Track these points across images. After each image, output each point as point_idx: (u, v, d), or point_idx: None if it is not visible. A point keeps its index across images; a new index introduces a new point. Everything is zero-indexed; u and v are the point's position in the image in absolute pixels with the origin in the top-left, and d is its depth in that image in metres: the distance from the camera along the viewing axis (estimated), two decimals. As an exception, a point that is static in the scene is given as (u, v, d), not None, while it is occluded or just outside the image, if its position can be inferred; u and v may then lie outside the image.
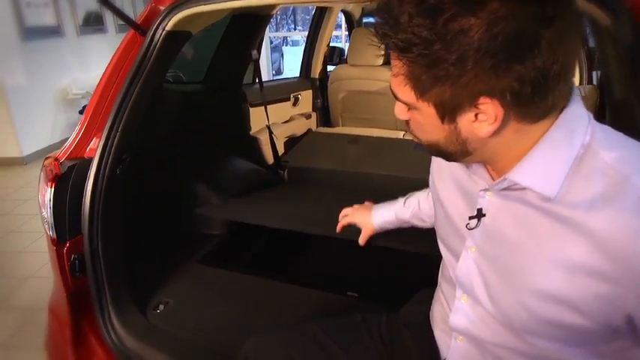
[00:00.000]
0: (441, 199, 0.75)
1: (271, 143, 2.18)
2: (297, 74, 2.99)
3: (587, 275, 0.53)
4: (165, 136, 1.59)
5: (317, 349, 0.85)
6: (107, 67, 1.23)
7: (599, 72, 2.19)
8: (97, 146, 1.17)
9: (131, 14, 1.28)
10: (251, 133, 2.20)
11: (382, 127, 2.54)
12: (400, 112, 0.62)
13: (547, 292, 0.56)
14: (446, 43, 0.48)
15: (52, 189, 1.11)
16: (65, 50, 4.71)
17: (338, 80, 2.75)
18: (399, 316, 0.91)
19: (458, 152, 0.59)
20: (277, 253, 1.78)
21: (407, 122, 0.63)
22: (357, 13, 3.39)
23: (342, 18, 5.78)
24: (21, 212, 3.22)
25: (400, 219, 1.11)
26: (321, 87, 2.94)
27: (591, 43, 2.16)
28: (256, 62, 2.07)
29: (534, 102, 0.51)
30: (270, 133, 2.16)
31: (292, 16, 15.16)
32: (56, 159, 1.16)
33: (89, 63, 4.88)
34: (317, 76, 2.95)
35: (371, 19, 3.56)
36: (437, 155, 0.64)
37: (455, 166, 0.70)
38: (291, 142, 2.57)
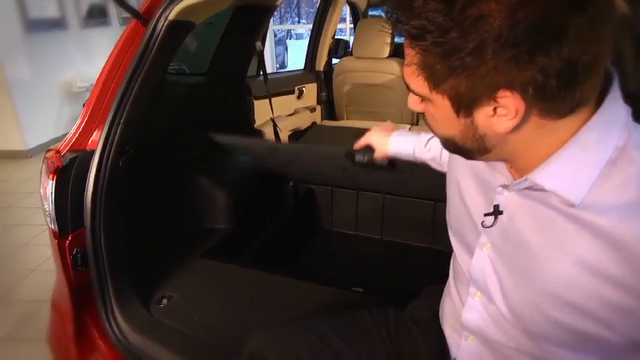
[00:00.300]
0: (460, 188, 0.71)
1: (275, 136, 2.16)
2: (302, 68, 2.96)
3: (610, 286, 0.50)
4: (168, 129, 1.57)
5: (322, 345, 0.84)
6: (109, 58, 1.21)
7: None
8: (99, 138, 1.15)
9: (133, 3, 1.26)
10: (255, 126, 2.18)
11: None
12: (413, 103, 0.58)
13: (566, 300, 0.53)
14: (463, 30, 0.44)
15: (54, 181, 1.09)
16: (69, 43, 4.70)
17: (343, 73, 2.72)
18: (407, 313, 0.89)
19: (475, 149, 0.55)
20: (281, 248, 1.76)
21: (423, 114, 0.60)
22: (362, 5, 3.34)
23: (346, 11, 5.74)
24: (25, 205, 3.22)
25: (417, 157, 1.04)
26: (325, 80, 2.91)
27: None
28: (260, 54, 2.04)
29: (560, 96, 0.46)
30: (275, 126, 2.14)
31: (296, 9, 15.06)
32: (58, 151, 1.15)
33: (93, 56, 4.86)
34: (322, 69, 2.92)
35: (376, 12, 3.52)
36: (454, 152, 0.60)
37: None
38: (296, 135, 2.56)
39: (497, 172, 0.62)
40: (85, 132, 1.18)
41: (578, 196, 0.50)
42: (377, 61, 2.57)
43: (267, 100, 2.08)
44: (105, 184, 1.14)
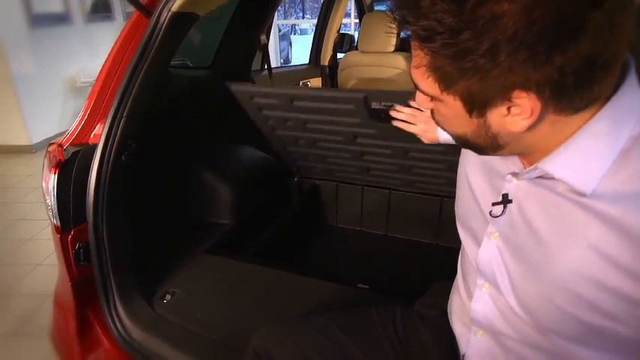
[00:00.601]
0: (468, 177, 0.70)
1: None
2: (306, 62, 2.94)
3: (621, 276, 0.48)
4: (171, 122, 1.55)
5: (328, 342, 0.82)
6: (111, 51, 1.19)
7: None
8: (102, 132, 1.14)
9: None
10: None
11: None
12: (422, 102, 0.57)
13: (574, 290, 0.52)
14: (475, 31, 0.42)
15: (56, 176, 1.08)
16: (73, 38, 4.69)
17: (348, 67, 2.69)
18: (414, 310, 0.87)
19: (488, 146, 0.54)
20: (285, 244, 1.74)
21: (432, 112, 0.58)
22: (368, -2, 3.31)
23: (351, 6, 5.70)
24: (29, 200, 3.22)
25: None
26: (330, 74, 2.89)
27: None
28: (265, 48, 2.02)
29: (577, 94, 0.45)
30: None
31: (301, 4, 14.99)
32: (60, 145, 1.13)
33: (97, 51, 4.85)
34: (327, 64, 2.90)
35: (382, 7, 3.48)
36: (465, 147, 0.59)
37: None
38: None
39: (507, 161, 0.61)
40: (88, 126, 1.17)
41: (588, 186, 0.49)
42: (383, 55, 2.54)
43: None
44: (107, 178, 1.13)
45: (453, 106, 0.51)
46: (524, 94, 0.45)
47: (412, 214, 1.81)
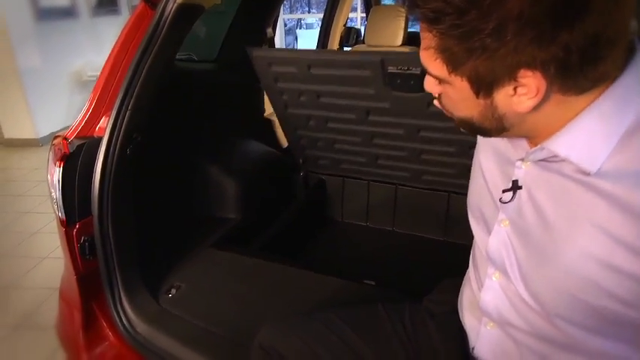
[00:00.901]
0: (481, 165, 0.70)
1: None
2: (313, 56, 2.91)
3: (630, 256, 0.48)
4: (176, 116, 1.54)
5: (335, 338, 0.81)
6: (116, 43, 1.18)
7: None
8: (107, 125, 1.13)
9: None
10: (265, 114, 2.14)
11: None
12: (430, 86, 0.58)
13: (582, 274, 0.52)
14: (482, 11, 0.43)
15: (61, 169, 1.07)
16: (79, 32, 4.69)
17: (355, 61, 2.66)
18: (423, 306, 0.86)
19: (493, 128, 0.55)
20: (291, 238, 1.73)
21: (438, 97, 0.59)
22: (375, -8, 3.28)
23: (357, 0, 5.65)
24: (36, 193, 3.24)
25: None
26: (337, 68, 2.86)
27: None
28: (271, 41, 2.00)
29: (582, 72, 0.46)
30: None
31: (307, -2, 14.89)
32: (65, 138, 1.13)
33: (103, 45, 4.83)
34: (333, 57, 2.87)
35: (389, 0, 3.45)
36: (470, 132, 0.59)
37: None
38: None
39: (518, 147, 0.61)
40: (93, 119, 1.16)
41: (593, 164, 0.50)
42: (390, 49, 2.51)
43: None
44: (112, 172, 1.12)
45: (460, 87, 0.52)
46: (529, 73, 0.46)
47: (419, 210, 1.79)
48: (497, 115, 0.52)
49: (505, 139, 0.64)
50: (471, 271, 0.76)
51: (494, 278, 0.66)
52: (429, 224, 1.79)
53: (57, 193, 1.08)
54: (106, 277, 1.13)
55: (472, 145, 1.43)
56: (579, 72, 0.45)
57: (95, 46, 4.81)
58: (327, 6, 2.88)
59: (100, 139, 1.12)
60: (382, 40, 2.53)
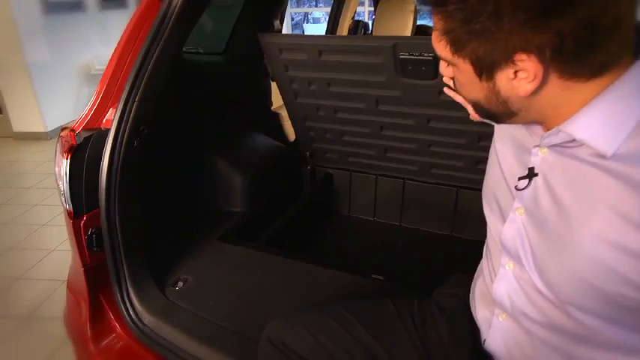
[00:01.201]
0: (497, 152, 0.70)
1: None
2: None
3: None
4: (183, 109, 1.53)
5: (344, 332, 0.81)
6: (123, 34, 1.17)
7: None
8: (114, 117, 1.12)
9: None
10: (272, 108, 2.13)
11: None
12: (443, 69, 0.61)
13: (599, 260, 0.51)
14: None
15: (68, 160, 1.07)
16: (87, 25, 4.70)
17: (363, 54, 2.64)
18: (432, 300, 0.85)
19: (501, 113, 0.57)
20: (298, 232, 1.73)
21: (453, 81, 0.62)
22: (383, -16, 3.23)
23: (365, -7, 5.60)
24: (45, 186, 3.26)
25: None
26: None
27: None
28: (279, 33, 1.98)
29: (578, 59, 0.47)
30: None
31: (314, -8, 14.79)
32: (72, 130, 1.12)
33: (111, 38, 4.84)
34: (341, 51, 2.84)
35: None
36: (484, 116, 0.61)
37: None
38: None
39: (534, 135, 0.61)
40: (100, 110, 1.16)
41: (609, 147, 0.50)
42: (399, 41, 2.48)
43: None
44: (119, 164, 1.12)
45: (464, 70, 0.54)
46: (525, 57, 0.47)
47: (427, 205, 1.77)
48: (502, 98, 0.54)
49: (522, 127, 0.63)
50: (484, 261, 0.75)
51: (507, 268, 0.65)
52: (437, 219, 1.77)
53: (64, 185, 1.08)
54: (113, 269, 1.13)
55: (482, 137, 1.42)
56: (575, 58, 0.47)
57: (103, 40, 4.82)
58: (335, -1, 2.86)
59: (108, 131, 1.12)
60: (391, 32, 2.50)
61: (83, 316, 1.14)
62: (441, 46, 0.54)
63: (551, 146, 0.57)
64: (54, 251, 2.42)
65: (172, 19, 1.14)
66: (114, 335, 1.12)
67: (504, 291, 0.66)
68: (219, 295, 1.19)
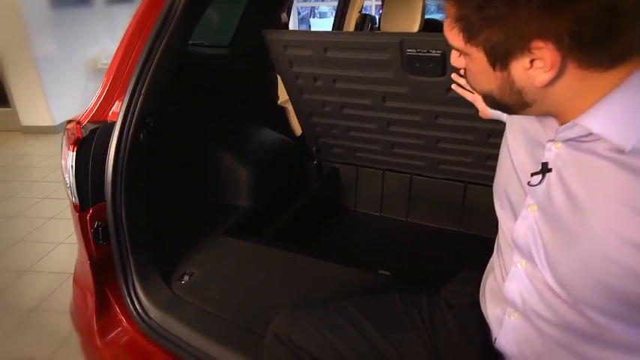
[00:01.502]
0: (509, 147, 0.68)
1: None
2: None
3: None
4: (190, 102, 1.52)
5: (350, 327, 0.80)
6: (129, 25, 1.16)
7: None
8: (120, 109, 1.12)
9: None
10: (279, 102, 2.12)
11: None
12: (454, 59, 0.59)
13: (613, 258, 0.50)
14: None
15: (74, 153, 1.07)
16: (94, 20, 4.70)
17: (370, 48, 2.61)
18: (441, 297, 0.83)
19: (514, 104, 0.55)
20: (304, 227, 1.72)
21: (464, 73, 0.59)
22: (391, -22, 3.20)
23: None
24: (53, 180, 3.28)
25: None
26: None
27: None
28: (285, 27, 1.96)
29: (597, 46, 0.45)
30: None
31: (321, -13, 14.70)
32: (78, 122, 1.12)
33: (118, 33, 4.81)
34: (348, 45, 2.82)
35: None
36: (495, 108, 0.59)
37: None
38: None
39: (548, 129, 0.59)
40: (106, 103, 1.15)
41: (627, 141, 0.48)
42: (406, 36, 2.46)
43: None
44: (126, 156, 1.11)
45: (477, 59, 0.52)
46: (542, 44, 0.46)
47: (434, 201, 1.75)
48: (516, 89, 0.52)
49: (535, 121, 0.61)
50: (494, 259, 0.74)
51: (519, 266, 0.63)
52: (444, 215, 1.75)
53: (70, 178, 1.08)
54: (119, 263, 1.13)
55: (491, 134, 1.40)
56: (595, 46, 0.45)
57: (110, 34, 4.81)
58: (342, -8, 2.83)
59: (114, 123, 1.11)
60: (398, 26, 2.47)
61: (89, 310, 1.14)
62: (453, 35, 0.52)
63: (566, 140, 0.55)
64: (61, 244, 2.43)
65: (178, 11, 1.13)
66: (120, 329, 1.12)
67: (516, 289, 0.64)
68: (225, 289, 1.19)
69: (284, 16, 1.85)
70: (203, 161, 1.62)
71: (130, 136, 1.12)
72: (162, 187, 1.31)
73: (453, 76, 1.03)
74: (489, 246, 0.79)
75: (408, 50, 1.28)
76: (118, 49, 1.16)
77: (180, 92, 1.45)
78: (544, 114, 0.57)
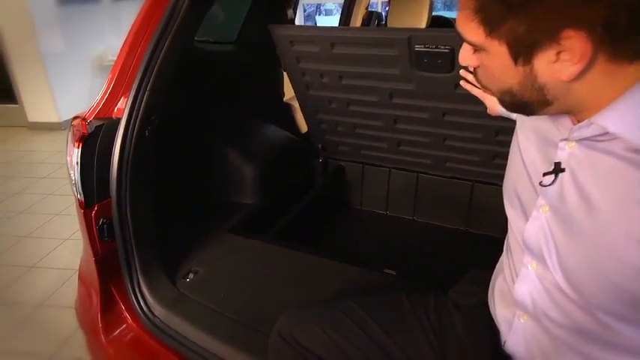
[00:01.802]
0: (520, 146, 0.66)
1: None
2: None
3: None
4: (195, 98, 1.52)
5: (355, 327, 0.79)
6: (135, 22, 1.15)
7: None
8: (125, 106, 1.11)
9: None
10: (285, 99, 2.11)
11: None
12: (465, 57, 0.55)
13: (627, 260, 0.48)
14: None
15: (79, 150, 1.06)
16: (100, 16, 4.71)
17: (377, 45, 2.59)
18: (449, 298, 0.82)
19: (535, 102, 0.51)
20: (309, 225, 1.71)
21: (474, 72, 0.56)
22: (398, -26, 3.17)
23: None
24: (59, 176, 3.30)
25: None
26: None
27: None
28: (292, 23, 1.95)
29: (630, 34, 0.42)
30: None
31: (327, -16, 14.65)
32: (84, 119, 1.11)
33: (124, 29, 4.81)
34: (354, 42, 2.80)
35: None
36: (511, 108, 0.56)
37: None
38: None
39: (561, 127, 0.56)
40: (111, 99, 1.14)
41: None
42: (414, 32, 2.43)
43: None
44: (131, 153, 1.11)
45: (497, 53, 0.48)
46: (573, 34, 0.42)
47: (441, 199, 1.74)
48: (538, 85, 0.49)
49: (547, 119, 0.59)
50: (504, 259, 0.72)
51: (530, 267, 0.62)
52: (451, 214, 1.74)
53: (75, 175, 1.07)
54: (124, 260, 1.13)
55: (500, 132, 1.38)
56: (627, 35, 0.42)
57: (116, 31, 4.83)
58: (349, -12, 2.81)
59: (119, 120, 1.11)
60: (405, 23, 2.45)
61: (94, 307, 1.13)
62: (470, 28, 0.49)
63: (580, 140, 0.53)
64: (67, 240, 2.44)
65: (184, 8, 1.12)
66: (124, 326, 1.12)
67: (526, 291, 0.63)
68: (230, 287, 1.18)
69: (290, 12, 1.83)
70: (208, 158, 1.61)
71: (136, 132, 1.11)
72: (167, 183, 1.30)
73: (462, 71, 1.01)
74: (497, 246, 0.77)
75: (417, 46, 1.26)
76: (124, 45, 1.16)
77: (186, 89, 1.44)
78: (563, 112, 0.54)
